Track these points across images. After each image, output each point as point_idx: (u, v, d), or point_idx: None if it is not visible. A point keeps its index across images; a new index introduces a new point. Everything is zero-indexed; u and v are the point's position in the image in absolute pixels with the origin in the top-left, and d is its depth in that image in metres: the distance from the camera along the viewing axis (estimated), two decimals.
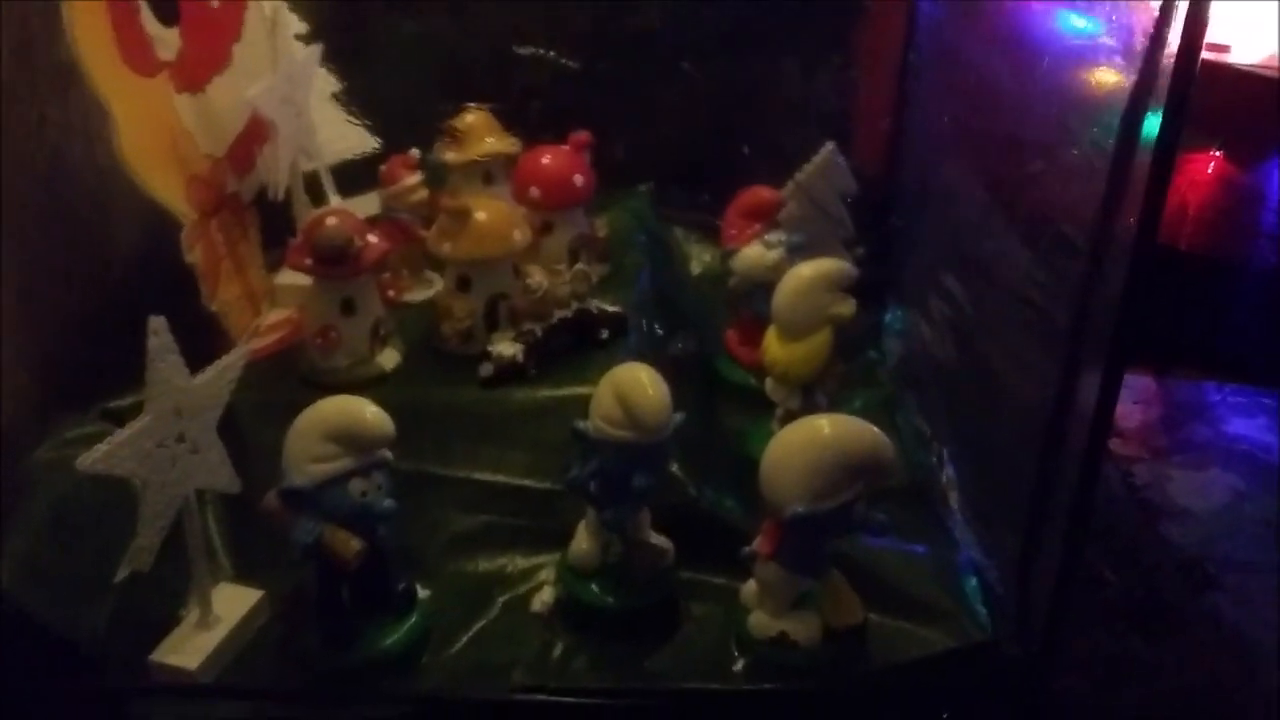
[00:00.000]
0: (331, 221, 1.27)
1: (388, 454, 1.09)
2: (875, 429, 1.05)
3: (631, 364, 1.13)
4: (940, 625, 1.17)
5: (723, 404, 1.53)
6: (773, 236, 1.47)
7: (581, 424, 1.12)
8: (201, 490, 1.13)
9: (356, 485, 1.05)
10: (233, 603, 1.17)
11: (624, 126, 1.78)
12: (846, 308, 1.31)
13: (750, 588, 1.15)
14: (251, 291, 1.42)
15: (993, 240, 1.29)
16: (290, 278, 1.44)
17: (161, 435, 1.04)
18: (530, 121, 1.66)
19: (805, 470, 1.03)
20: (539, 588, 1.23)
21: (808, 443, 1.04)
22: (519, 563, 1.26)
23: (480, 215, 1.33)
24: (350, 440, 1.05)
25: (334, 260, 1.26)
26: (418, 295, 1.50)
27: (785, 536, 1.07)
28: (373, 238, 1.30)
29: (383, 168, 1.51)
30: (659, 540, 1.19)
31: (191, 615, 1.15)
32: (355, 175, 1.66)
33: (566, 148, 1.51)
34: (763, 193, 1.49)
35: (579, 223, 1.53)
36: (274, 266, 1.49)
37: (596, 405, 1.11)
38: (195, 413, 1.07)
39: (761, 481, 1.06)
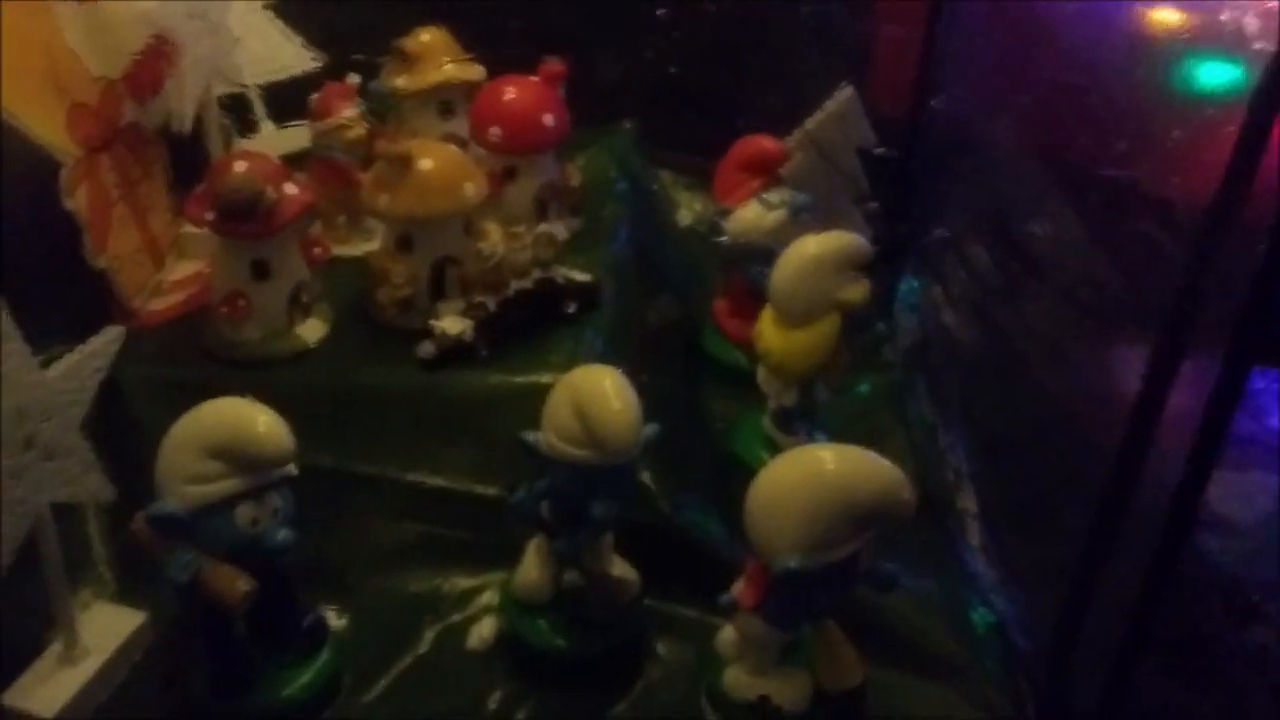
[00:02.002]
0: (238, 168, 1.05)
1: (289, 469, 0.88)
2: (889, 466, 0.85)
3: (594, 368, 0.93)
4: (953, 686, 0.99)
5: (707, 386, 1.32)
6: (773, 195, 1.25)
7: (531, 436, 0.92)
8: None
9: (245, 512, 0.86)
10: (107, 630, 0.99)
11: (606, 51, 1.55)
12: (858, 292, 1.10)
13: (728, 636, 0.96)
14: (153, 241, 1.20)
15: (1039, 208, 1.08)
16: None
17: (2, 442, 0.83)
18: (498, 44, 1.41)
19: (802, 516, 0.83)
20: (478, 618, 1.05)
21: (807, 482, 0.84)
22: (456, 584, 1.08)
23: (425, 163, 1.11)
24: (237, 458, 0.84)
25: (241, 215, 1.04)
26: (356, 249, 1.28)
27: (773, 589, 0.87)
28: (291, 187, 1.08)
29: (314, 96, 1.27)
30: (622, 570, 1.00)
31: (54, 647, 0.95)
32: (296, 98, 1.42)
33: (535, 79, 1.28)
34: (764, 143, 1.26)
35: (548, 169, 1.30)
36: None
37: (551, 416, 0.91)
38: (48, 413, 0.87)
39: (747, 522, 0.86)
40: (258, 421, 0.85)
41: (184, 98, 1.15)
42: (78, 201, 1.08)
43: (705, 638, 0.99)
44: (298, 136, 1.39)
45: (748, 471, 1.16)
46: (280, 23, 1.43)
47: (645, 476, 1.06)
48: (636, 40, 1.57)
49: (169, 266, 1.23)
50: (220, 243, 1.09)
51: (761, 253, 1.26)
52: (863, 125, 1.29)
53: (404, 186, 1.11)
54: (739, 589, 0.91)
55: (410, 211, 1.11)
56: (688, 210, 1.59)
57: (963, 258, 1.23)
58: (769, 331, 1.13)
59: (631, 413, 0.89)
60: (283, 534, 0.86)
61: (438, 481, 1.09)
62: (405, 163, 1.10)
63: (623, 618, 1.00)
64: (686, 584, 1.05)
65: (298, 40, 1.44)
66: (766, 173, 1.27)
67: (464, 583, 1.07)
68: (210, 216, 1.05)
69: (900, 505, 0.84)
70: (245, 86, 1.40)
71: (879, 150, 1.30)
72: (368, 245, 1.28)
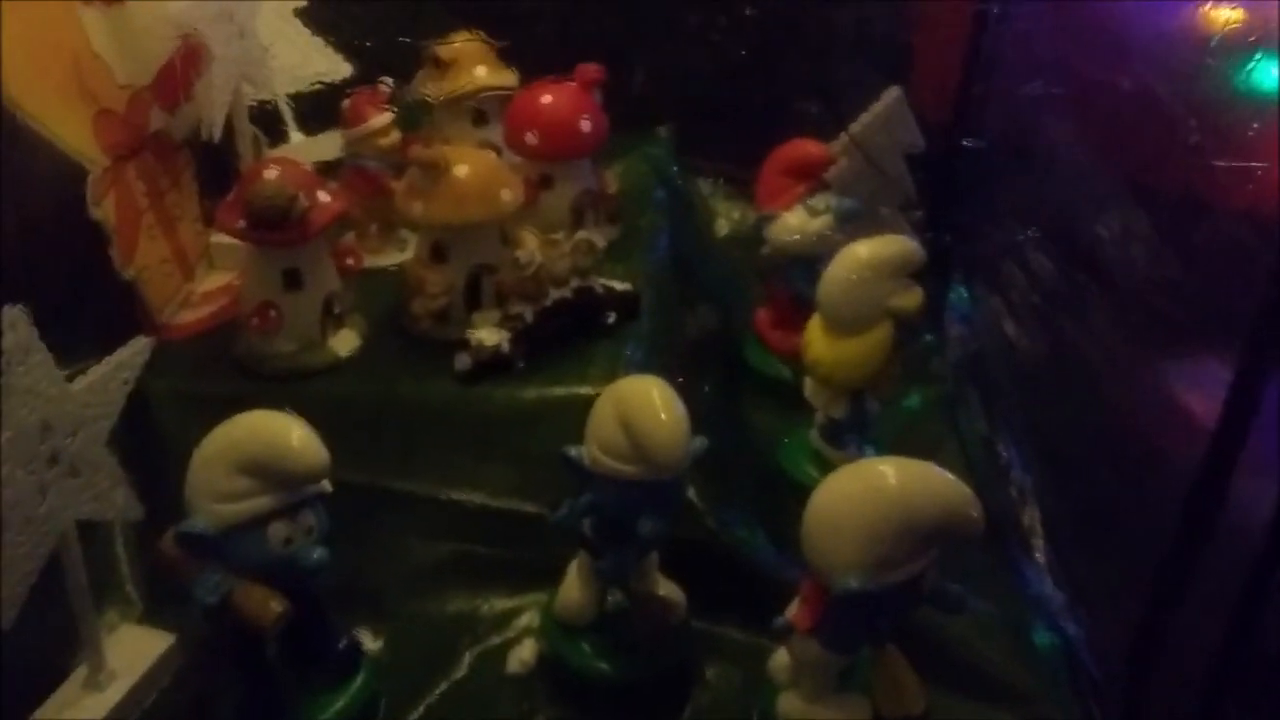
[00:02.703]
0: (270, 175, 1.01)
1: (324, 485, 0.84)
2: (955, 481, 0.80)
3: (640, 378, 0.89)
4: (1019, 714, 0.94)
5: (749, 399, 1.28)
6: (818, 200, 1.21)
7: (573, 450, 0.88)
8: None
9: (278, 530, 0.82)
10: (135, 652, 0.96)
11: (642, 57, 1.50)
12: (911, 300, 1.05)
13: (781, 660, 0.91)
14: (182, 252, 1.17)
15: (1103, 212, 1.03)
16: None
17: (24, 458, 0.79)
18: (532, 51, 1.38)
19: (864, 535, 0.78)
20: (518, 640, 1.01)
21: (869, 497, 0.79)
22: (495, 606, 1.04)
23: (460, 169, 1.07)
24: (270, 474, 0.81)
25: (272, 223, 1.00)
26: (387, 259, 1.24)
27: (831, 611, 0.83)
28: (324, 195, 1.04)
29: (346, 103, 1.24)
30: (668, 591, 0.96)
31: (80, 671, 0.92)
32: (325, 107, 1.39)
33: (572, 84, 1.24)
34: (809, 147, 1.22)
35: (585, 177, 1.26)
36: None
37: (595, 429, 0.87)
38: (73, 427, 0.83)
39: (805, 539, 0.81)
40: (291, 435, 0.81)
41: (213, 104, 1.12)
42: (105, 211, 1.05)
43: (756, 662, 0.95)
44: (329, 145, 1.36)
45: (794, 487, 1.14)
46: (309, 30, 1.40)
47: (690, 492, 1.01)
48: (672, 45, 1.53)
49: (198, 278, 1.20)
50: (251, 252, 1.06)
51: (805, 260, 1.22)
52: (910, 128, 1.25)
53: (438, 194, 1.07)
54: (794, 610, 0.87)
55: (445, 219, 1.08)
56: (726, 220, 1.55)
57: (1021, 264, 1.18)
58: (818, 341, 1.09)
59: (680, 425, 0.85)
60: (317, 553, 0.82)
61: (475, 498, 1.05)
62: (440, 169, 1.06)
63: (669, 640, 0.96)
64: (735, 605, 1.01)
65: (328, 47, 1.41)
66: (811, 177, 1.23)
67: (503, 604, 1.03)
68: (241, 225, 1.02)
69: (968, 522, 0.79)
70: (274, 96, 1.36)
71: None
72: (401, 256, 1.25)
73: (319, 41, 1.41)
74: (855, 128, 1.24)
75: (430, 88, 1.29)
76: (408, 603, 1.03)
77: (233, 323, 1.12)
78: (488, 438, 1.06)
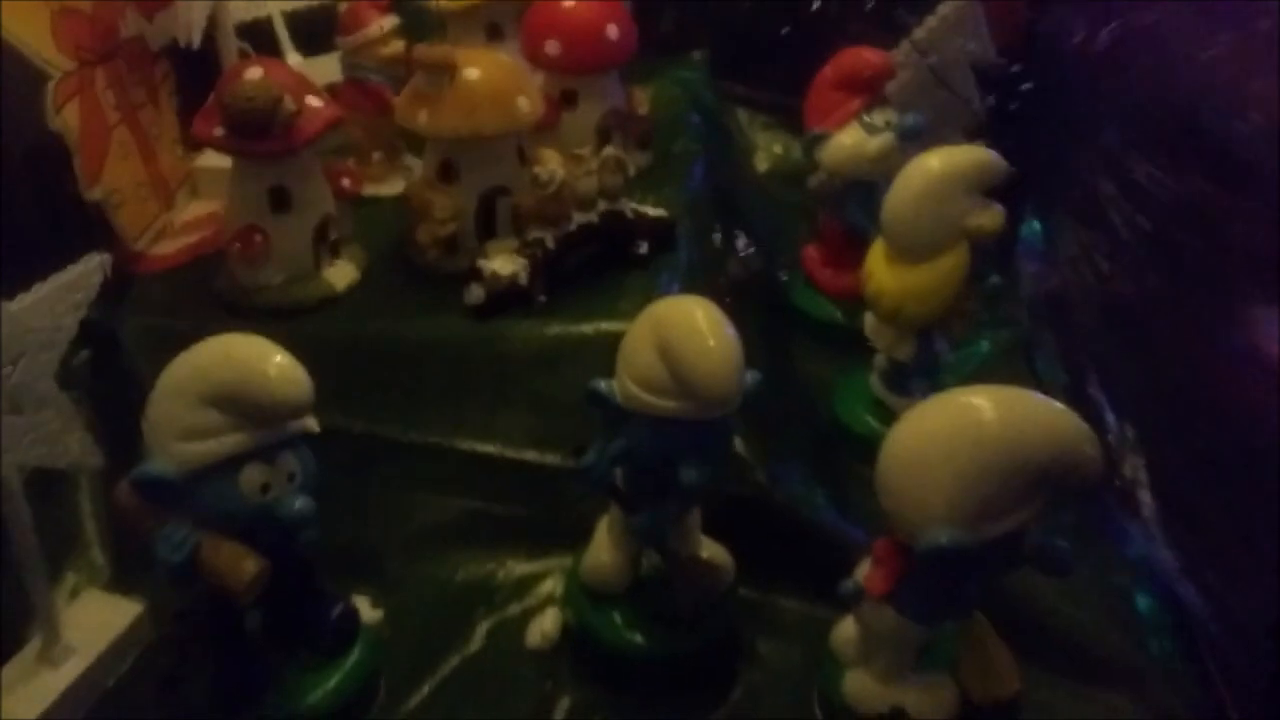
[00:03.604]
0: (253, 74, 0.88)
1: (309, 424, 0.71)
2: (1067, 413, 0.67)
3: (682, 298, 0.75)
4: (1124, 693, 0.80)
5: (797, 344, 1.14)
6: (876, 116, 1.07)
7: (603, 384, 0.75)
8: None
9: (253, 475, 0.69)
10: (98, 622, 0.84)
11: None
12: (990, 219, 0.92)
13: (847, 631, 0.78)
14: (160, 176, 1.04)
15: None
16: (217, 158, 1.06)
17: None
18: None
19: (956, 480, 0.65)
20: (539, 610, 0.88)
21: (962, 435, 0.65)
22: (512, 570, 0.92)
23: (471, 72, 0.94)
24: (243, 407, 0.68)
25: (255, 129, 0.87)
26: (390, 188, 1.11)
27: (913, 573, 0.69)
28: (315, 100, 0.91)
29: (343, 7, 1.10)
30: (712, 553, 0.83)
31: (33, 644, 0.79)
32: (325, 27, 1.25)
33: None
34: (866, 55, 1.08)
35: (612, 94, 1.13)
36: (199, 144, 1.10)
37: (629, 359, 0.74)
38: (13, 355, 0.70)
39: (882, 486, 0.68)
40: (269, 362, 0.68)
41: (192, 3, 0.98)
42: (66, 120, 0.92)
43: (815, 635, 0.83)
44: (328, 68, 1.22)
45: (852, 439, 1.01)
46: None
47: (737, 443, 0.88)
48: None
49: (179, 206, 1.07)
50: (233, 167, 0.93)
51: (862, 186, 1.08)
52: (980, 35, 1.11)
53: (447, 100, 0.94)
54: (865, 573, 0.73)
55: (455, 129, 0.94)
56: (765, 154, 1.42)
57: (1108, 194, 1.03)
58: (881, 270, 0.95)
59: (731, 352, 0.71)
60: (300, 502, 0.69)
61: (489, 449, 0.93)
62: (448, 71, 0.93)
63: (714, 610, 0.83)
64: (790, 570, 0.89)
65: None
66: (869, 91, 1.08)
67: (522, 568, 0.91)
68: (219, 132, 0.88)
69: (1084, 463, 0.66)
70: (268, 12, 1.23)
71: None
72: (402, 186, 1.11)
73: None
74: (919, 33, 1.09)
75: None
76: (412, 567, 0.91)
77: (217, 255, 0.99)
78: (503, 380, 0.95)
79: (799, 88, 1.17)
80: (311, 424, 0.72)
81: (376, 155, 1.13)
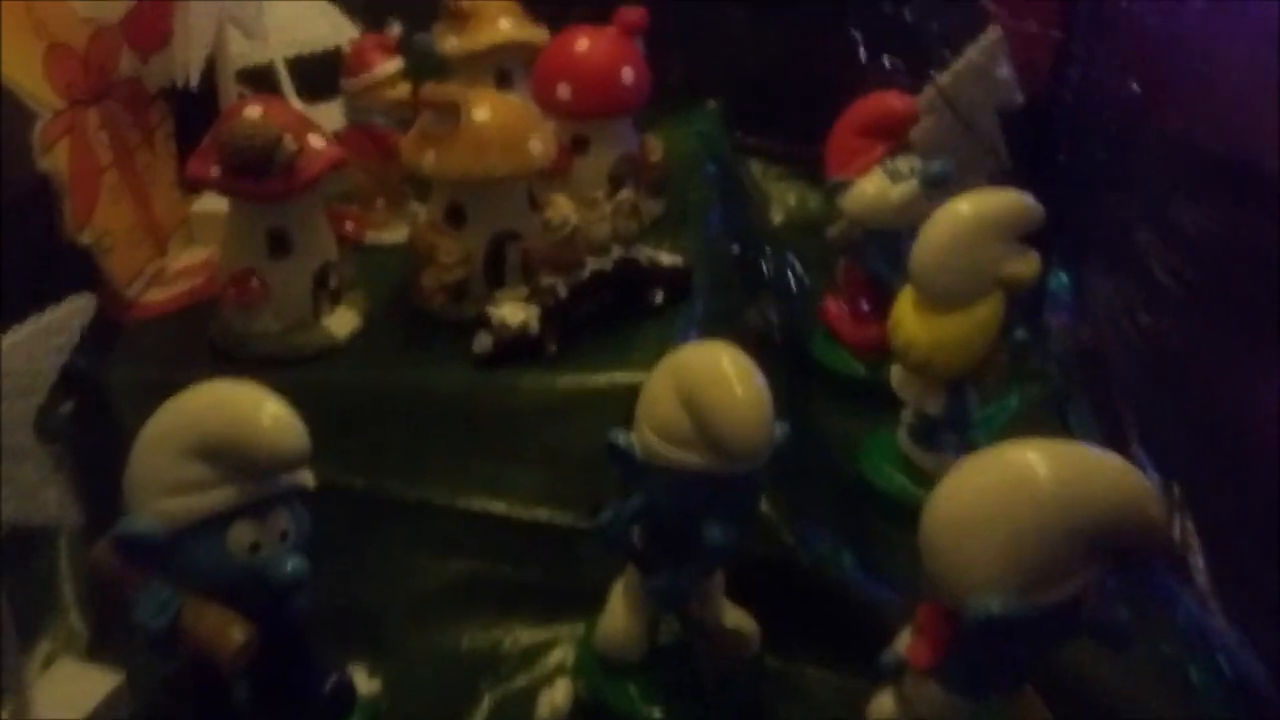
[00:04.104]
0: (252, 112, 0.84)
1: (304, 478, 0.66)
2: (1127, 467, 0.62)
3: (707, 344, 0.71)
4: None
5: (818, 400, 1.09)
6: (900, 163, 1.03)
7: (622, 436, 0.69)
8: None
9: (242, 533, 0.64)
10: (74, 692, 0.78)
11: (687, 24, 1.32)
12: (1026, 266, 0.87)
13: (885, 708, 0.72)
14: (154, 221, 1.00)
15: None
16: (214, 203, 1.02)
17: None
18: (564, 12, 1.21)
19: (1008, 542, 0.59)
20: (549, 680, 0.82)
21: (1013, 493, 0.60)
22: (520, 638, 0.86)
23: (480, 112, 0.90)
24: (233, 460, 0.63)
25: (253, 169, 0.83)
26: (394, 235, 1.06)
27: (960, 644, 0.64)
28: (317, 139, 0.87)
29: (348, 49, 1.07)
30: (736, 619, 0.77)
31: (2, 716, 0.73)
32: (327, 75, 1.22)
33: (611, 30, 1.07)
34: (890, 100, 1.04)
35: (625, 139, 1.09)
36: (196, 188, 1.06)
37: (649, 409, 0.69)
38: None
39: (927, 549, 0.63)
40: (262, 411, 0.63)
41: (190, 41, 0.95)
42: (55, 161, 0.88)
43: (847, 709, 0.77)
44: (331, 116, 1.19)
45: (879, 498, 0.96)
46: None
47: (762, 500, 0.83)
48: (722, 5, 1.36)
49: (173, 252, 1.03)
50: (230, 209, 0.89)
51: (885, 235, 1.04)
52: (1007, 79, 1.07)
53: (455, 141, 0.90)
54: (906, 643, 0.68)
55: (464, 171, 0.90)
56: (780, 205, 1.37)
57: (1144, 244, 0.99)
58: (910, 320, 0.90)
59: (761, 401, 0.66)
60: (292, 564, 0.64)
61: (497, 507, 0.88)
62: (457, 111, 0.89)
63: (737, 681, 0.77)
64: (819, 638, 0.83)
65: (334, 9, 1.25)
66: (892, 137, 1.04)
67: (530, 636, 0.86)
68: (215, 172, 0.84)
69: (1147, 523, 0.60)
70: (270, 57, 1.20)
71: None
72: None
73: (323, 2, 1.25)
74: (944, 77, 1.05)
75: (448, 42, 1.12)
76: (413, 634, 0.85)
77: (210, 301, 0.95)
78: (512, 434, 0.90)
79: (814, 137, 1.13)
80: (307, 478, 0.67)
81: (380, 202, 1.09)
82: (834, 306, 1.14)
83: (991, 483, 0.61)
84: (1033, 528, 0.59)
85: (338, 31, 1.25)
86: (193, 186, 0.96)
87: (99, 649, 0.83)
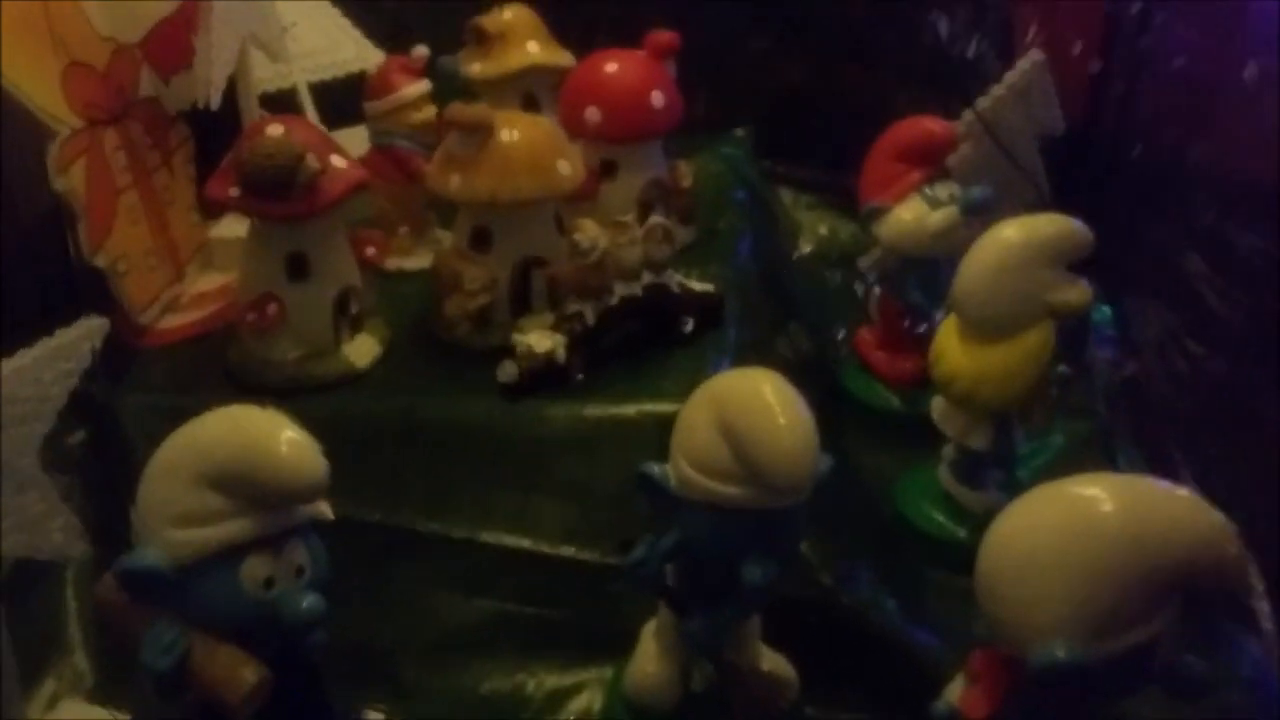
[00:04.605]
0: (274, 131, 0.81)
1: (322, 509, 0.63)
2: (1201, 504, 0.58)
3: (747, 371, 0.67)
4: None
5: (851, 435, 1.05)
6: (939, 189, 1.00)
7: (655, 468, 0.66)
8: None
9: (256, 568, 0.60)
10: None
11: (716, 50, 1.30)
12: (1078, 294, 0.83)
13: None
14: (172, 245, 0.97)
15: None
16: (233, 228, 0.99)
17: None
18: (592, 28, 1.19)
19: (1078, 584, 0.55)
20: None
21: (1080, 531, 0.56)
22: (545, 682, 0.83)
23: (508, 133, 0.87)
24: (247, 490, 0.59)
25: (274, 189, 0.80)
26: (418, 262, 1.03)
27: (1022, 695, 0.59)
28: (339, 160, 0.84)
29: (371, 72, 1.04)
30: (774, 665, 0.72)
31: None
32: (351, 100, 1.19)
33: (641, 53, 1.04)
34: (928, 124, 1.01)
35: (655, 164, 1.06)
36: (216, 212, 1.03)
37: (685, 439, 0.65)
38: None
39: (986, 592, 0.59)
40: (279, 438, 0.60)
41: (211, 61, 0.92)
42: (71, 181, 0.86)
43: None
44: (354, 141, 1.16)
45: (919, 537, 0.92)
46: (337, 10, 1.22)
47: None
48: (749, 33, 1.33)
49: (191, 278, 1.00)
50: (250, 232, 0.86)
51: (923, 264, 1.01)
52: (1050, 104, 1.04)
53: (481, 163, 0.87)
54: (960, 693, 0.63)
55: (490, 193, 0.87)
56: (811, 234, 1.34)
57: (1197, 276, 0.96)
58: (954, 350, 0.87)
59: (804, 431, 0.63)
60: (308, 601, 0.60)
61: (521, 543, 0.85)
62: (484, 131, 0.86)
63: None
64: (862, 687, 0.78)
65: (357, 31, 1.23)
66: (930, 162, 1.01)
67: (556, 680, 0.82)
68: (234, 192, 0.81)
69: (1226, 561, 0.56)
70: (294, 83, 1.17)
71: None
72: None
73: (347, 24, 1.23)
74: (984, 102, 1.02)
75: (474, 66, 1.10)
76: (432, 677, 0.82)
77: (227, 327, 0.92)
78: (538, 466, 0.86)
79: (845, 166, 1.10)
80: (325, 510, 0.64)
81: (404, 230, 1.06)
82: (867, 336, 1.10)
83: (1056, 519, 0.57)
84: (1103, 568, 0.55)
85: (362, 56, 1.22)
86: (212, 208, 0.93)
87: (106, 690, 0.79)
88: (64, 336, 0.66)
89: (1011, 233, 0.83)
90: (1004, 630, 0.58)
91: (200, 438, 0.60)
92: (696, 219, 1.10)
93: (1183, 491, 0.58)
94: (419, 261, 1.04)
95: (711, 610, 0.69)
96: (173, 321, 0.95)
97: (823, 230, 1.33)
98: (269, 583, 0.60)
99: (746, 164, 1.28)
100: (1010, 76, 1.02)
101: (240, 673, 0.59)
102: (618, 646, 0.77)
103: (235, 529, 0.59)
